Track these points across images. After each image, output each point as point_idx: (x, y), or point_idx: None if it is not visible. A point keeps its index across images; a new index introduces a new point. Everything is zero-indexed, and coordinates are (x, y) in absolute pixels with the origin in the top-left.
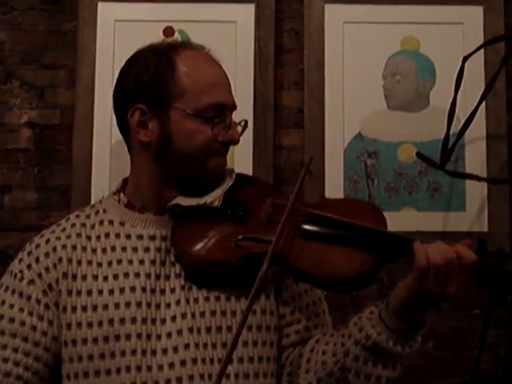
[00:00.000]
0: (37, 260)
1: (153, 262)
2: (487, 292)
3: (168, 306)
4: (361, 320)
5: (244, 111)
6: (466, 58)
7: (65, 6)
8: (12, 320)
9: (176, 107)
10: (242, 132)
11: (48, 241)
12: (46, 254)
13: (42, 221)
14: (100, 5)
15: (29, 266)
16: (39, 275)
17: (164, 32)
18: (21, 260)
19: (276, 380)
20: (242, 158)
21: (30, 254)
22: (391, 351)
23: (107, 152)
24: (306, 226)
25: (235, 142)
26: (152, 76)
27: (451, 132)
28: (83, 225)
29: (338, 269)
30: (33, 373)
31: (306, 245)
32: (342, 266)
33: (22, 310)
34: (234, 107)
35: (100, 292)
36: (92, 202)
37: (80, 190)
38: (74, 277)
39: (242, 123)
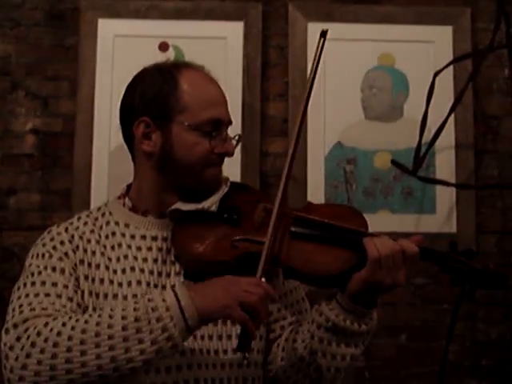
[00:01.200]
0: (61, 243)
1: (155, 261)
2: (458, 286)
3: None
4: (320, 306)
5: (233, 121)
6: (436, 74)
7: (67, 21)
8: (54, 284)
9: (178, 121)
10: (236, 145)
11: (67, 229)
12: (69, 240)
13: (45, 221)
14: (100, 21)
15: (54, 247)
16: (66, 254)
17: (159, 47)
18: (44, 244)
19: (262, 370)
20: (230, 164)
21: (52, 239)
22: (350, 330)
23: (106, 158)
24: (295, 228)
25: (230, 154)
26: (157, 92)
27: (423, 141)
28: (94, 224)
29: (324, 266)
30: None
31: (295, 245)
32: (328, 263)
33: (60, 276)
34: (230, 122)
35: (111, 282)
36: (91, 204)
37: (80, 193)
38: (89, 264)
39: (236, 137)
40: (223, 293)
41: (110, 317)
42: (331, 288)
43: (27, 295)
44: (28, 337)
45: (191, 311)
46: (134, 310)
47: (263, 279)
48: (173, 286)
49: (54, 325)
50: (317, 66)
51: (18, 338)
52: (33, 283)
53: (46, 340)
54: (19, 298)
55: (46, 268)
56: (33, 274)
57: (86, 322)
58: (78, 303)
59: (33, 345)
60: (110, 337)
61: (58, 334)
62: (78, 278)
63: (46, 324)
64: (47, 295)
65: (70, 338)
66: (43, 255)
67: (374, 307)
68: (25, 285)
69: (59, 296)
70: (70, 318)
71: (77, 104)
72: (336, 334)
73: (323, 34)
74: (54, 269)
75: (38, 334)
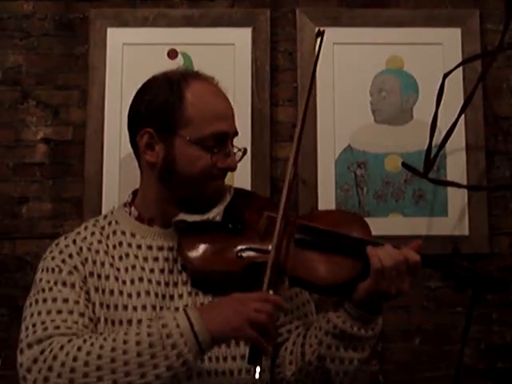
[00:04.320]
0: (70, 256)
1: (162, 271)
2: (462, 292)
3: (177, 310)
4: (327, 313)
5: (242, 126)
6: (446, 75)
7: (77, 31)
8: (66, 300)
9: (181, 135)
10: (241, 158)
11: (75, 241)
12: (77, 253)
13: (57, 229)
14: (109, 30)
15: (63, 261)
16: (75, 267)
17: (168, 54)
18: (53, 258)
19: (269, 374)
20: (241, 170)
21: (61, 252)
22: (357, 335)
23: (117, 165)
24: (300, 237)
25: (233, 169)
26: (162, 104)
27: (433, 143)
28: (101, 234)
29: (329, 275)
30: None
31: (300, 254)
32: (332, 272)
33: (71, 291)
34: (236, 134)
35: (121, 292)
36: (102, 212)
37: (92, 201)
38: (99, 276)
39: (242, 150)
40: (233, 314)
41: (125, 342)
42: (336, 296)
43: (39, 313)
44: (45, 360)
45: (204, 335)
46: (148, 335)
47: (271, 291)
48: (185, 308)
49: (70, 349)
50: (315, 64)
51: (35, 360)
52: (44, 300)
53: (62, 365)
54: (32, 315)
55: (56, 283)
56: (44, 290)
57: (101, 347)
58: (90, 317)
59: (50, 369)
60: (126, 363)
61: (75, 359)
62: (88, 291)
63: (62, 347)
64: (59, 312)
65: (86, 364)
66: (53, 270)
67: (379, 313)
68: (36, 301)
69: (71, 312)
70: (85, 340)
71: (87, 112)
72: (343, 339)
73: (319, 34)
74: (64, 283)
75: (55, 357)
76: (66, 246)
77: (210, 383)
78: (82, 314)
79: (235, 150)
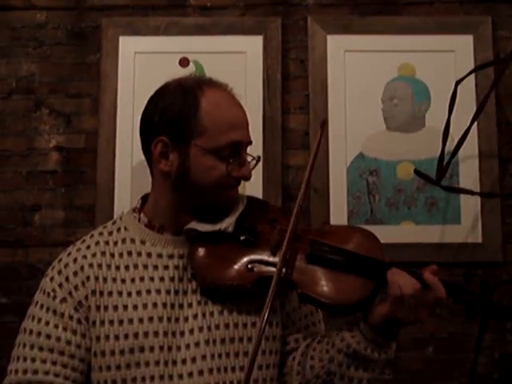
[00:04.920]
0: (67, 279)
1: (172, 279)
2: (473, 319)
3: (186, 319)
4: (342, 332)
5: (254, 134)
6: (458, 83)
7: (89, 40)
8: (48, 336)
9: (196, 144)
10: (255, 166)
11: (75, 260)
12: (75, 273)
13: (69, 237)
14: (121, 38)
15: (60, 285)
16: (70, 293)
17: (180, 62)
18: (51, 279)
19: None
20: (252, 177)
21: (60, 272)
22: (369, 357)
23: (128, 173)
24: (312, 253)
25: (247, 178)
26: (177, 113)
27: (446, 150)
28: (106, 242)
29: (341, 295)
30: (72, 381)
31: (311, 270)
32: (344, 292)
33: (56, 326)
34: (250, 143)
35: (125, 307)
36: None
37: (104, 209)
38: (101, 293)
39: (256, 158)
40: None
41: None
42: (346, 316)
43: (24, 345)
44: None
45: None
46: None
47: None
48: None
49: None
50: (316, 152)
51: None
52: (31, 332)
53: None
54: (19, 346)
55: (47, 310)
56: (34, 318)
57: None
58: (71, 354)
59: None
60: None
61: None
62: (80, 319)
63: None
64: (40, 349)
65: None
66: (48, 294)
67: (394, 338)
68: (25, 330)
69: (51, 350)
70: None
71: (99, 120)
72: (356, 359)
73: (322, 124)
74: (54, 312)
75: None
76: (66, 265)
77: None
78: (61, 353)
79: (249, 159)
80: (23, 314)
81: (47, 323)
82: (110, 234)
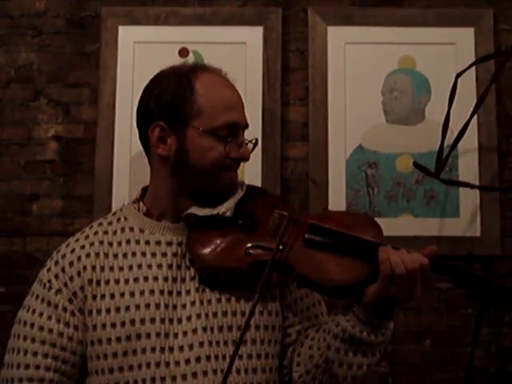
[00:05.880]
0: (63, 270)
1: (170, 266)
2: (474, 301)
3: (184, 306)
4: (337, 316)
5: (253, 126)
6: (458, 75)
7: (88, 29)
8: (41, 328)
9: (193, 125)
10: (253, 149)
11: (73, 250)
12: (71, 263)
13: (67, 227)
14: (121, 28)
15: (56, 276)
16: (65, 284)
17: (179, 53)
18: (49, 269)
19: (278, 374)
20: (251, 169)
21: (56, 263)
22: (366, 341)
23: (127, 163)
24: (310, 237)
25: (246, 159)
26: (172, 96)
27: (445, 144)
28: (105, 232)
29: (338, 277)
30: (61, 373)
31: (309, 254)
32: (341, 274)
33: (50, 317)
34: (246, 126)
35: (122, 295)
36: (113, 210)
37: (102, 199)
38: (98, 282)
39: (253, 141)
40: None
41: None
42: (344, 299)
43: (19, 336)
44: None
45: None
46: None
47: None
48: None
49: None
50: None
51: None
52: (25, 322)
53: None
54: (14, 337)
55: (42, 301)
56: (29, 309)
57: None
58: (63, 346)
59: None
60: None
61: None
62: (73, 311)
63: None
64: (32, 341)
65: None
66: (45, 285)
67: (390, 319)
68: (19, 321)
69: (43, 342)
70: None
71: (98, 110)
72: (352, 344)
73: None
74: (48, 303)
75: None
76: (63, 256)
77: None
78: (53, 345)
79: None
80: (21, 304)
81: (41, 314)
82: (110, 224)
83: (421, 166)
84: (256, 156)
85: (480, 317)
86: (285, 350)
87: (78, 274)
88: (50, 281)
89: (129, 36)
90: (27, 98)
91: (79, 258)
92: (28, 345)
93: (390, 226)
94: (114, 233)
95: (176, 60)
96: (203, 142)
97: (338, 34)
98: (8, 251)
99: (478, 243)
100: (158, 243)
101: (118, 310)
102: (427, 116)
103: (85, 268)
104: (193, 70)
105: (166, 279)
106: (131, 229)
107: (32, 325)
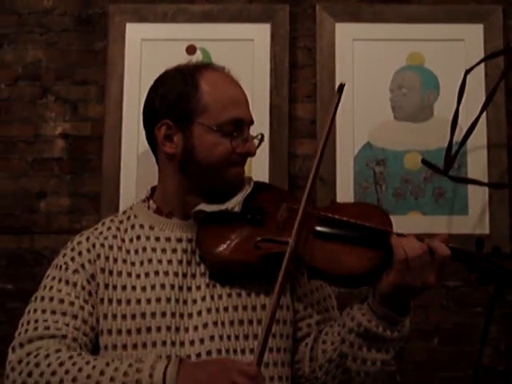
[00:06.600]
0: (79, 253)
1: (180, 262)
2: (486, 285)
3: (194, 301)
4: (352, 310)
5: (261, 123)
6: (467, 72)
7: (96, 27)
8: (62, 301)
9: (199, 122)
10: (259, 145)
11: (88, 238)
12: (88, 250)
13: (74, 224)
14: (128, 25)
15: (72, 259)
16: (82, 266)
17: (186, 50)
18: (64, 255)
19: (290, 369)
20: (259, 166)
21: (72, 249)
22: (382, 336)
23: (134, 161)
24: (319, 228)
25: (252, 154)
26: (177, 94)
27: (454, 141)
28: (118, 228)
29: (348, 266)
30: (83, 345)
31: (319, 245)
32: (352, 263)
33: (69, 294)
34: (252, 122)
35: (133, 288)
36: (120, 207)
37: (109, 196)
38: (111, 272)
39: (259, 137)
40: (209, 381)
41: (101, 373)
42: (356, 288)
43: (35, 311)
44: (28, 363)
45: None
46: (124, 374)
47: (261, 368)
48: (167, 365)
49: (53, 361)
50: (333, 118)
51: (20, 361)
52: (42, 298)
53: (41, 375)
54: (29, 312)
55: (60, 281)
56: (45, 287)
57: (79, 369)
58: (84, 320)
59: (29, 374)
60: None
61: (53, 373)
62: (92, 291)
63: (47, 356)
64: (53, 312)
65: (61, 381)
66: (60, 267)
67: (407, 314)
68: (36, 298)
69: (64, 314)
70: (70, 357)
71: (105, 108)
72: (367, 339)
73: (340, 88)
74: (67, 282)
75: (37, 365)
76: (79, 243)
77: None
78: (74, 316)
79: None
80: (27, 301)
81: (59, 290)
82: (121, 222)
83: (429, 163)
84: (263, 153)
85: (493, 301)
86: (296, 344)
87: (94, 260)
88: (66, 263)
89: (136, 33)
90: (35, 96)
91: (94, 246)
92: (48, 316)
93: (398, 223)
94: (126, 230)
95: (183, 57)
96: (209, 138)
97: (346, 30)
98: (16, 248)
99: (487, 240)
100: (168, 240)
101: (128, 302)
102: (436, 113)
103: (99, 256)
104: (197, 69)
105: (176, 274)
106: (141, 226)
107: (51, 299)
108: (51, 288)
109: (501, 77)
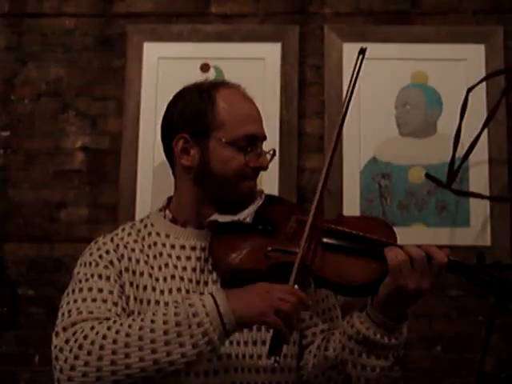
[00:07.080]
0: (107, 252)
1: (193, 270)
2: (486, 298)
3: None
4: (352, 318)
5: (271, 138)
6: (469, 90)
7: (115, 46)
8: (100, 290)
9: (214, 137)
10: (271, 159)
11: (112, 239)
12: (114, 250)
13: (93, 233)
14: (145, 44)
15: (100, 256)
16: (111, 262)
17: (201, 68)
18: (91, 253)
19: (295, 375)
20: (269, 179)
21: (99, 249)
22: (380, 343)
23: (150, 173)
24: (326, 240)
25: (264, 168)
26: (195, 110)
27: (456, 156)
28: (137, 234)
29: (353, 276)
30: None
31: (326, 255)
32: (356, 273)
33: (105, 285)
34: (265, 138)
35: (153, 289)
36: (136, 217)
37: (126, 207)
38: (134, 272)
39: (271, 152)
40: (259, 300)
41: (152, 321)
42: (361, 298)
43: (75, 301)
44: (76, 340)
45: (229, 316)
46: (175, 314)
47: (296, 286)
48: (211, 292)
49: (100, 328)
50: (355, 80)
51: (67, 341)
52: (80, 289)
53: (92, 343)
54: (68, 303)
55: (92, 275)
56: (80, 281)
57: (129, 326)
58: (123, 308)
59: (80, 347)
60: (153, 341)
61: (104, 337)
62: (122, 285)
63: (93, 328)
64: (94, 300)
65: (114, 342)
66: (90, 264)
67: (403, 321)
68: (73, 291)
69: (105, 301)
70: (115, 321)
71: (123, 123)
72: (366, 346)
73: (362, 51)
74: (100, 276)
75: (85, 337)
76: (104, 243)
77: (230, 366)
78: (115, 304)
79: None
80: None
81: (96, 282)
82: (139, 230)
83: (432, 177)
84: (273, 167)
85: (494, 314)
86: (301, 351)
87: (118, 260)
88: (95, 260)
89: (153, 52)
90: (56, 111)
91: (118, 246)
92: (89, 304)
93: (403, 235)
94: (143, 238)
95: (198, 75)
96: (225, 153)
97: (353, 49)
98: (37, 256)
99: (488, 252)
100: (183, 247)
101: (148, 302)
102: (439, 129)
103: (122, 256)
104: (214, 86)
105: (190, 281)
106: (158, 234)
107: (90, 289)
108: (87, 280)
109: (502, 95)
